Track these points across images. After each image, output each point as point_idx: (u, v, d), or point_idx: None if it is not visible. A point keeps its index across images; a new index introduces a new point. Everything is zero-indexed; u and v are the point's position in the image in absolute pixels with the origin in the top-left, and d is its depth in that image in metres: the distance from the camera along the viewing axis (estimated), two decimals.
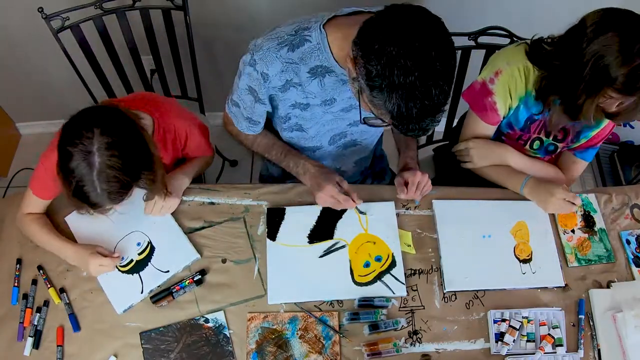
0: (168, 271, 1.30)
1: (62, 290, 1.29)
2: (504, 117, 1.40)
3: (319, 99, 1.23)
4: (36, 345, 1.23)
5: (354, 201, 1.28)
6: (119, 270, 1.31)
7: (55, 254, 1.31)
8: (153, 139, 1.27)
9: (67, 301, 1.28)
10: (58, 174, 1.10)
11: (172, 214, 1.38)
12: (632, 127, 1.30)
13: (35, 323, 1.25)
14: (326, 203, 1.31)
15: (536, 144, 1.45)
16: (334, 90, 1.21)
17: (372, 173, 1.69)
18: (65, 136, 1.09)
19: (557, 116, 1.29)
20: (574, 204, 1.34)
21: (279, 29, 1.16)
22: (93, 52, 1.75)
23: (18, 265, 1.32)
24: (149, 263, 1.32)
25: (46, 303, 1.28)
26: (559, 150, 1.49)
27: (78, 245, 1.31)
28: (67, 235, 1.34)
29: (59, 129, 1.12)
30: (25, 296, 1.28)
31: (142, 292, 1.28)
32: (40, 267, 1.32)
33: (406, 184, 1.34)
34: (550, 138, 1.41)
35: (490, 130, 1.44)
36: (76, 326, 1.25)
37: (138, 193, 1.37)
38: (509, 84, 1.32)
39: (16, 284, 1.30)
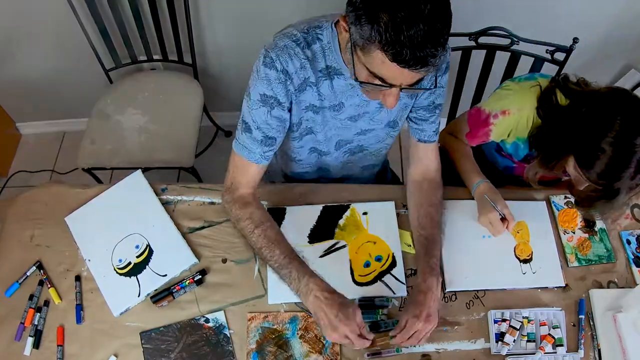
0: (166, 275, 1.30)
1: (77, 278, 1.30)
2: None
3: (328, 102, 1.20)
4: (36, 345, 1.23)
5: (367, 339, 1.12)
6: (117, 272, 1.31)
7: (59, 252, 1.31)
8: None
9: (79, 290, 1.28)
10: None
11: (173, 217, 1.37)
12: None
13: (36, 323, 1.25)
14: (337, 342, 1.14)
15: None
16: (343, 95, 1.18)
17: (375, 174, 1.68)
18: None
19: (533, 169, 1.27)
20: (495, 232, 1.33)
21: (290, 28, 1.13)
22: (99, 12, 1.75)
23: (35, 268, 1.32)
24: (147, 266, 1.32)
25: (46, 303, 1.28)
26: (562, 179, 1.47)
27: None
28: (67, 234, 1.34)
29: None
30: (31, 297, 1.28)
31: (139, 296, 1.28)
32: (40, 267, 1.32)
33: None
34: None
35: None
36: (79, 318, 1.25)
37: (142, 191, 1.38)
38: (512, 127, 1.31)
39: (19, 282, 1.30)
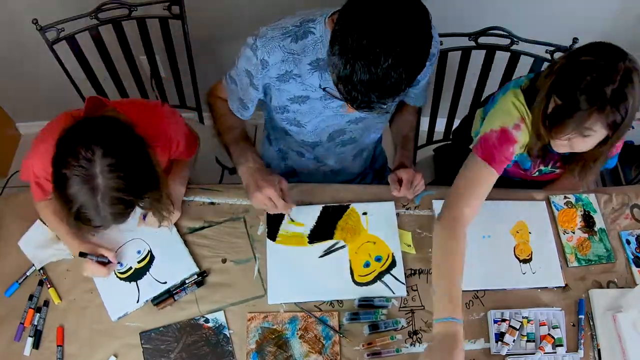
0: (166, 282, 1.29)
1: (40, 283, 1.29)
2: None
3: (319, 92, 1.22)
4: (36, 345, 1.23)
5: (290, 205, 1.25)
6: (117, 276, 1.31)
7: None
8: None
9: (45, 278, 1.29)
10: (55, 196, 1.01)
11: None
12: (632, 127, 1.25)
13: (35, 323, 1.25)
14: (261, 205, 1.26)
15: (536, 173, 1.43)
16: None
17: (372, 171, 1.69)
18: (61, 156, 0.97)
19: (535, 147, 1.25)
20: None
21: (284, 20, 1.17)
22: (89, 63, 1.73)
23: (35, 268, 1.32)
24: (148, 272, 1.31)
25: (46, 303, 1.28)
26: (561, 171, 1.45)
27: (83, 243, 1.27)
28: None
29: (55, 124, 1.05)
30: (30, 297, 1.28)
31: (137, 302, 1.27)
32: (40, 267, 1.32)
33: (400, 181, 1.34)
34: (549, 167, 1.39)
35: (492, 181, 1.28)
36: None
37: None
38: (527, 135, 1.24)
39: (19, 282, 1.30)
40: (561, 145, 1.18)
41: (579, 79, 1.05)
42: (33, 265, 1.31)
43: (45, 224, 1.35)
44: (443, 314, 1.10)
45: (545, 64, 1.63)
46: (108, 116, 1.09)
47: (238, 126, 1.38)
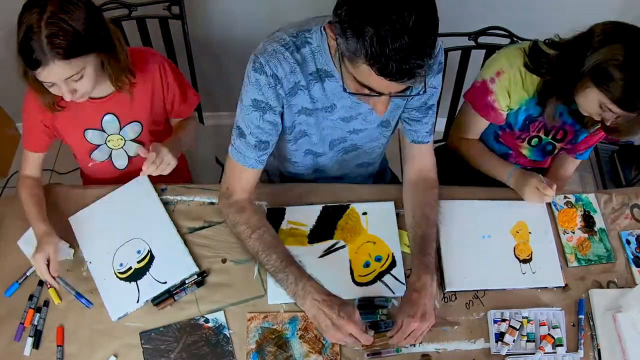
0: (165, 282, 1.29)
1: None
2: (492, 126, 1.41)
3: (320, 104, 1.20)
4: (36, 345, 1.23)
5: (369, 336, 1.10)
6: (117, 277, 1.30)
7: None
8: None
9: (64, 283, 1.29)
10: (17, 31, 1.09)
11: (173, 217, 1.37)
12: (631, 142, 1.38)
13: (35, 323, 1.25)
14: (340, 342, 1.12)
15: (534, 141, 1.46)
16: (334, 96, 1.19)
17: (373, 174, 1.68)
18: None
19: (551, 106, 1.29)
20: (546, 194, 1.34)
21: (279, 32, 1.14)
22: None
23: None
24: (147, 272, 1.31)
25: (46, 303, 1.28)
26: (556, 152, 1.50)
27: (43, 232, 1.26)
28: (68, 235, 1.34)
29: None
30: (30, 297, 1.28)
31: (137, 302, 1.27)
32: None
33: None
34: (550, 137, 1.41)
35: (484, 124, 1.47)
36: (88, 301, 1.26)
37: (146, 196, 1.38)
38: (510, 86, 1.33)
39: (19, 282, 1.30)
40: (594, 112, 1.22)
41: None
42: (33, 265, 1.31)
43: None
44: (508, 168, 1.41)
45: None
46: None
47: (276, 242, 1.22)
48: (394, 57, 0.86)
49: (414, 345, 1.23)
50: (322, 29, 1.10)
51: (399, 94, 0.99)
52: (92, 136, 1.40)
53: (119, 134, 1.40)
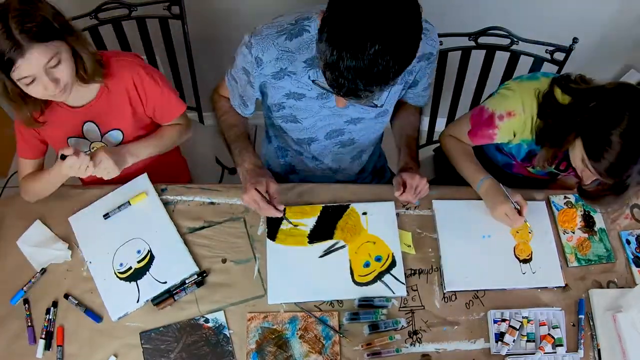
0: (165, 282, 1.29)
1: (66, 296, 1.28)
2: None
3: (315, 91, 1.23)
4: (48, 346, 1.23)
5: (277, 209, 1.23)
6: (117, 276, 1.30)
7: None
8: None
9: (76, 302, 1.27)
10: None
11: (173, 217, 1.37)
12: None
13: (46, 325, 1.24)
14: (249, 205, 1.27)
15: (537, 169, 1.44)
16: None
17: (371, 172, 1.69)
18: None
19: (543, 152, 1.28)
20: (514, 223, 1.33)
21: (280, 18, 1.17)
22: None
23: (39, 274, 1.32)
24: (147, 272, 1.31)
25: (55, 304, 1.28)
26: (558, 177, 1.48)
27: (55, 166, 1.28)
28: (68, 234, 1.35)
29: None
30: (47, 311, 1.27)
31: (137, 302, 1.27)
32: (44, 269, 1.32)
33: (404, 184, 1.32)
34: (553, 167, 1.40)
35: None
36: (97, 317, 1.26)
37: (147, 196, 1.38)
38: (517, 129, 1.30)
39: (25, 289, 1.29)
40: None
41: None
42: (38, 272, 1.31)
43: (44, 224, 1.36)
44: (481, 176, 1.38)
45: (546, 64, 1.64)
46: None
47: (239, 124, 1.39)
48: (344, 75, 0.91)
49: (414, 345, 1.24)
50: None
51: (356, 102, 1.01)
52: (76, 144, 1.39)
53: (100, 141, 1.40)
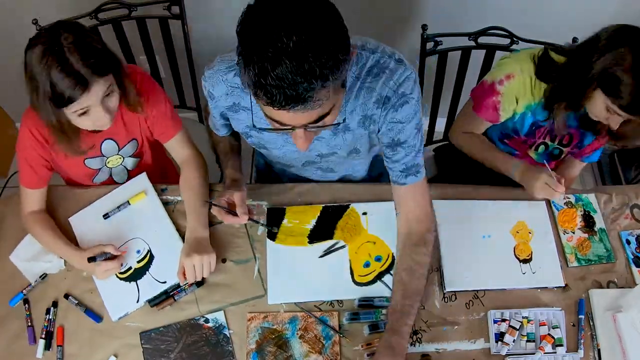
0: (165, 282, 1.29)
1: (66, 296, 1.29)
2: (505, 120, 1.40)
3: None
4: (48, 346, 1.23)
5: (239, 218, 1.21)
6: (117, 277, 1.30)
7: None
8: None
9: (76, 302, 1.27)
10: (31, 97, 1.11)
11: (173, 217, 1.37)
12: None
13: (46, 324, 1.25)
14: (218, 215, 1.25)
15: (541, 148, 1.45)
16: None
17: (370, 173, 1.68)
18: (28, 49, 1.09)
19: (561, 115, 1.28)
20: (557, 191, 1.32)
21: (232, 52, 1.06)
22: None
23: (40, 279, 1.31)
24: (147, 272, 1.31)
25: (55, 304, 1.28)
26: (563, 155, 1.49)
27: (82, 250, 1.28)
28: (68, 235, 1.34)
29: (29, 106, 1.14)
30: (47, 310, 1.27)
31: (137, 302, 1.27)
32: (45, 275, 1.31)
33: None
34: (556, 142, 1.41)
35: (484, 126, 1.46)
36: (97, 317, 1.26)
37: (146, 195, 1.38)
38: (518, 91, 1.32)
39: (24, 292, 1.29)
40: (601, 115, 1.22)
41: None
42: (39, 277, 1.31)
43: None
44: (514, 162, 1.39)
45: None
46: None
47: (223, 140, 1.38)
48: (276, 84, 0.80)
49: (414, 345, 1.24)
50: None
51: (315, 125, 0.91)
52: (93, 163, 1.39)
53: (118, 154, 1.40)
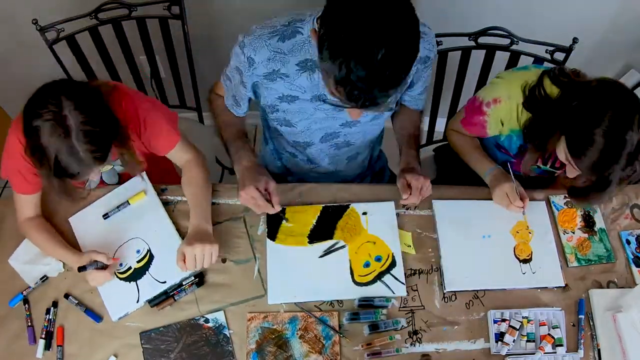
0: (165, 282, 1.29)
1: (66, 296, 1.29)
2: (493, 136, 1.41)
3: (309, 93, 1.22)
4: (48, 346, 1.23)
5: (273, 207, 1.25)
6: (117, 277, 1.30)
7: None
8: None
9: (76, 302, 1.28)
10: (31, 159, 1.09)
11: (173, 217, 1.37)
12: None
13: (46, 324, 1.25)
14: (246, 203, 1.26)
15: (533, 168, 1.43)
16: (324, 87, 1.18)
17: (371, 173, 1.69)
18: (30, 111, 1.07)
19: (530, 155, 1.29)
20: (514, 205, 1.35)
21: (275, 19, 1.17)
22: (89, 63, 1.74)
23: (40, 281, 1.31)
24: (147, 272, 1.31)
25: (55, 304, 1.28)
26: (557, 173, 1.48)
27: (79, 254, 1.28)
28: (69, 235, 1.35)
29: (18, 115, 1.12)
30: (47, 311, 1.27)
31: (137, 302, 1.27)
32: (45, 277, 1.31)
33: (409, 185, 1.32)
34: (548, 166, 1.40)
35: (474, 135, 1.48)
36: (97, 317, 1.26)
37: (145, 195, 1.38)
38: (503, 116, 1.32)
39: (24, 293, 1.29)
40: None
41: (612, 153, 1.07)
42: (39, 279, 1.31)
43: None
44: (490, 166, 1.42)
45: (546, 64, 1.64)
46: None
47: (235, 123, 1.39)
48: (358, 86, 0.90)
49: (414, 345, 1.24)
50: (314, 20, 1.11)
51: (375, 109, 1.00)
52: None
53: (111, 164, 1.37)
